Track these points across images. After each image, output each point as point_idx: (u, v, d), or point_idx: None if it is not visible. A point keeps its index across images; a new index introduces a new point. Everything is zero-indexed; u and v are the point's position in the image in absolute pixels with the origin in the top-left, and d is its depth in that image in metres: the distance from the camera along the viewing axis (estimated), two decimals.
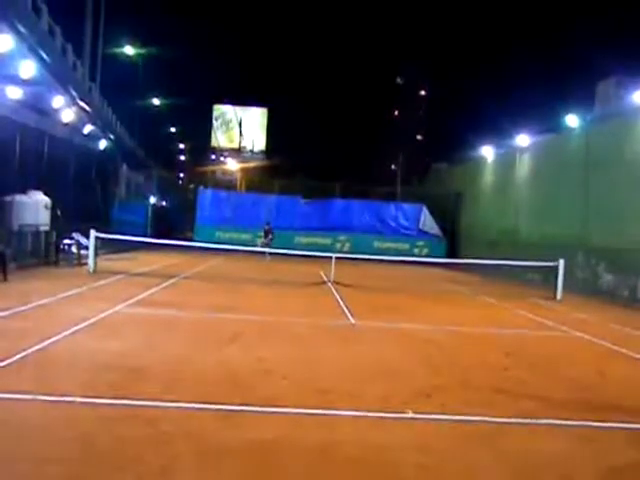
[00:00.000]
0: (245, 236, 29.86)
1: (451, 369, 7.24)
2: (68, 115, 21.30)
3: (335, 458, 4.23)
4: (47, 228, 17.46)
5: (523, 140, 24.14)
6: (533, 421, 5.28)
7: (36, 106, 18.84)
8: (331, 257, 17.42)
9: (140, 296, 11.42)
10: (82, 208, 22.99)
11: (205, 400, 5.22)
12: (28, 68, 15.87)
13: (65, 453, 3.98)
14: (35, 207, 17.49)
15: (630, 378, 7.51)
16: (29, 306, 9.34)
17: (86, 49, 28.83)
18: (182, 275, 16.27)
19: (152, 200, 38.69)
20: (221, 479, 3.85)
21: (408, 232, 31.83)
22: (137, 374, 5.93)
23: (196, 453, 4.11)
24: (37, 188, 18.08)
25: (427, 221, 31.77)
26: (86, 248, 16.58)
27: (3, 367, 5.81)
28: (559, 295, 15.45)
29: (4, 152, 17.44)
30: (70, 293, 11.17)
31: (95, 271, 15.09)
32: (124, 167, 34.89)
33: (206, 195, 33.10)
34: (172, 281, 14.70)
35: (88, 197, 25.88)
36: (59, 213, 19.09)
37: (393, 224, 32.05)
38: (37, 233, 16.75)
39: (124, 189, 35.74)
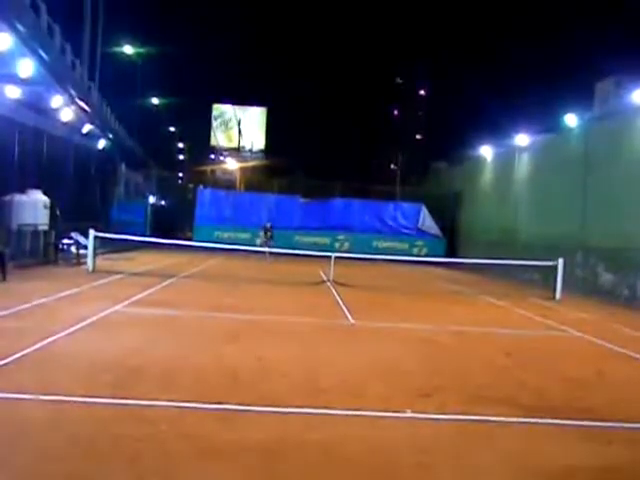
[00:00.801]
0: (244, 235, 29.85)
1: (451, 369, 7.23)
2: (67, 114, 21.25)
3: (334, 457, 4.22)
4: (46, 228, 17.45)
5: (522, 140, 24.14)
6: (532, 420, 5.28)
7: (35, 105, 18.80)
8: (330, 256, 17.42)
9: (139, 296, 11.40)
10: (81, 208, 22.96)
11: (204, 400, 5.21)
12: (27, 67, 15.83)
13: (64, 452, 3.97)
14: (34, 207, 17.48)
15: (629, 378, 7.51)
16: (28, 305, 9.32)
17: (85, 48, 28.79)
18: (181, 275, 16.25)
19: (151, 199, 38.66)
20: (220, 479, 3.84)
21: (407, 231, 31.83)
22: (136, 373, 5.92)
23: (195, 453, 4.10)
24: (36, 187, 18.06)
25: (426, 221, 31.78)
26: (85, 248, 16.57)
27: (2, 366, 5.80)
28: (558, 295, 15.45)
29: (3, 152, 17.42)
30: (69, 293, 11.16)
31: (94, 271, 15.07)
32: (123, 166, 34.85)
33: (205, 195, 33.09)
34: (171, 281, 14.68)
35: (87, 196, 25.85)
36: (58, 213, 19.08)
37: (392, 224, 32.05)
38: (36, 233, 16.74)
39: (123, 189, 35.70)
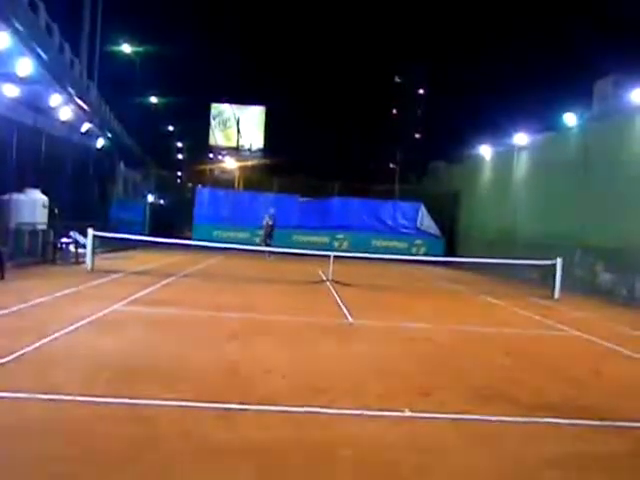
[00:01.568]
0: (243, 235, 29.83)
1: (449, 368, 7.24)
2: (65, 113, 21.23)
3: (333, 457, 4.22)
4: (44, 227, 17.41)
5: (521, 139, 24.15)
6: (531, 420, 5.29)
7: (33, 104, 18.76)
8: (329, 256, 17.41)
9: (138, 294, 11.40)
10: (80, 206, 22.92)
11: (204, 399, 5.21)
12: (25, 66, 15.80)
13: (64, 452, 3.96)
14: (32, 205, 17.44)
15: (628, 377, 7.52)
16: (27, 305, 9.31)
17: (84, 47, 28.77)
18: (180, 274, 16.24)
19: (150, 198, 38.63)
20: (220, 479, 3.84)
21: (406, 231, 31.82)
22: (136, 373, 5.92)
23: (195, 452, 4.10)
24: (34, 186, 18.02)
25: (425, 220, 31.77)
26: (84, 247, 16.55)
27: (1, 365, 5.79)
28: (557, 294, 15.46)
29: (1, 150, 17.37)
30: (68, 291, 11.15)
31: (93, 270, 15.05)
32: (122, 165, 34.80)
33: (204, 194, 33.05)
34: (170, 280, 14.67)
35: (86, 195, 25.81)
36: (56, 211, 19.04)
37: (391, 223, 32.03)
38: (34, 232, 16.71)
39: (122, 187, 35.66)
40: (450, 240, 31.17)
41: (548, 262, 16.37)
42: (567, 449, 4.71)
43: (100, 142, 28.25)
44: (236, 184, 42.46)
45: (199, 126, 62.55)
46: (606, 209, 17.77)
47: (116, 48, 35.93)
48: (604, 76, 22.26)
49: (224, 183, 43.72)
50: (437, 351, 8.33)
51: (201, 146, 62.87)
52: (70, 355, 6.48)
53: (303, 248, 23.30)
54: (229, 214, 31.37)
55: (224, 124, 64.10)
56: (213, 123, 64.15)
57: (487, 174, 28.78)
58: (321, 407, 5.24)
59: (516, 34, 51.02)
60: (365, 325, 10.00)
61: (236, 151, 60.78)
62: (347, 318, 10.48)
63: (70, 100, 21.31)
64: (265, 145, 63.38)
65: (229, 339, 7.97)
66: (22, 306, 9.15)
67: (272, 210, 27.41)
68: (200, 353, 7.12)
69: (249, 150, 62.85)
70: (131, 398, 5.09)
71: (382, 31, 73.27)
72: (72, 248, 17.80)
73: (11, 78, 16.04)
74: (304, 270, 19.50)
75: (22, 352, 6.31)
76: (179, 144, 68.99)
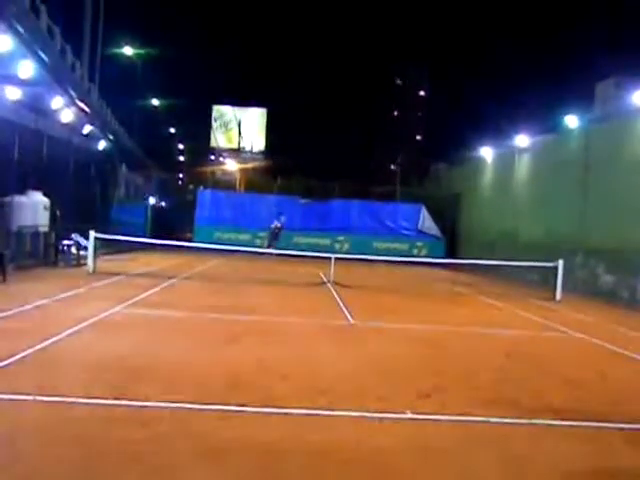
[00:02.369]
0: (244, 236, 29.88)
1: (451, 369, 7.23)
2: (67, 115, 21.26)
3: (335, 459, 4.22)
4: (46, 229, 17.43)
5: (522, 140, 24.15)
6: (533, 421, 5.28)
7: (35, 107, 18.79)
8: (330, 257, 17.41)
9: (140, 297, 11.40)
10: (81, 209, 22.94)
11: (205, 400, 5.21)
12: (27, 68, 15.84)
13: (65, 454, 3.97)
14: (34, 208, 17.46)
15: (630, 379, 7.51)
16: (28, 307, 9.32)
17: (85, 49, 28.80)
18: (182, 276, 16.25)
19: (151, 201, 38.65)
20: (221, 479, 3.85)
21: (407, 232, 31.84)
22: (137, 374, 5.93)
23: (196, 453, 4.10)
24: (36, 189, 18.05)
25: (426, 221, 31.78)
26: (85, 249, 16.57)
27: (3, 368, 5.80)
28: (558, 296, 15.45)
29: (3, 153, 17.40)
30: (69, 294, 11.16)
31: (94, 272, 15.07)
32: (123, 167, 34.83)
33: (205, 196, 33.10)
34: (172, 282, 14.68)
35: (87, 198, 25.82)
36: (58, 214, 19.06)
37: (392, 224, 32.06)
38: (36, 234, 16.72)
39: (123, 190, 35.69)
40: (451, 242, 31.16)
41: (549, 264, 16.36)
42: (569, 451, 4.70)
43: (101, 144, 28.28)
44: (237, 186, 42.51)
45: (200, 128, 62.63)
46: (608, 211, 17.76)
47: (117, 50, 35.95)
48: (606, 78, 22.27)
49: (225, 185, 43.74)
50: (438, 353, 8.32)
51: (202, 148, 62.92)
52: (71, 357, 6.49)
53: (304, 250, 23.33)
54: (230, 216, 31.41)
55: (225, 126, 64.17)
56: (214, 125, 64.21)
57: (488, 176, 28.77)
58: (322, 408, 5.24)
59: (517, 36, 51.08)
60: (366, 326, 10.00)
61: (237, 153, 60.85)
62: (348, 319, 10.48)
63: (71, 102, 21.34)
64: (266, 147, 63.44)
65: (230, 341, 7.98)
66: (24, 308, 9.16)
67: (283, 218, 27.58)
68: (200, 355, 7.12)
69: (250, 152, 62.89)
70: (132, 400, 5.09)
71: (383, 33, 73.35)
72: (74, 250, 17.82)
73: (13, 81, 16.08)
74: (305, 272, 19.51)
75: (23, 354, 6.32)
76: (180, 146, 69.06)
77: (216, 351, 7.40)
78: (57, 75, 19.50)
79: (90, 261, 15.40)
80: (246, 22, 65.86)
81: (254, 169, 54.82)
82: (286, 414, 5.08)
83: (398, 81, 77.03)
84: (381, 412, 5.24)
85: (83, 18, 28.80)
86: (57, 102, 19.93)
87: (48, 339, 7.09)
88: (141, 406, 4.99)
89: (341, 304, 12.39)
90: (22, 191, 17.50)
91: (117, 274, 14.98)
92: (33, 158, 19.61)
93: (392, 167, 57.24)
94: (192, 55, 59.58)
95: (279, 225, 27.24)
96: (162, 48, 45.04)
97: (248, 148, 63.13)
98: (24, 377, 5.61)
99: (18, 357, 6.18)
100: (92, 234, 15.52)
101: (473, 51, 58.74)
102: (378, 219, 32.10)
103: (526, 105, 34.60)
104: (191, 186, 44.67)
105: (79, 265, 16.86)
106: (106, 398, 5.08)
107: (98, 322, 8.58)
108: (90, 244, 15.55)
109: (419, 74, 72.95)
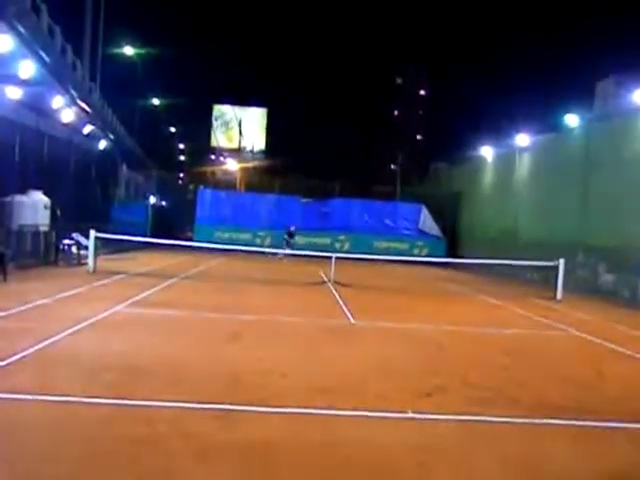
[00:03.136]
0: (245, 236, 29.89)
1: (451, 369, 7.23)
2: (68, 115, 21.28)
3: (335, 458, 4.22)
4: (47, 228, 17.45)
5: (523, 140, 24.14)
6: (532, 421, 5.28)
7: (36, 106, 18.82)
8: (331, 257, 17.41)
9: (140, 296, 11.41)
10: (82, 208, 22.96)
11: (205, 400, 5.21)
12: (28, 68, 15.85)
13: (65, 453, 3.97)
14: (35, 207, 17.48)
15: (630, 378, 7.51)
16: (29, 306, 9.33)
17: (86, 49, 28.81)
18: (182, 275, 16.26)
19: (152, 200, 38.69)
20: (220, 479, 3.85)
21: (408, 232, 31.83)
22: (137, 374, 5.93)
23: (195, 453, 4.10)
24: (37, 188, 18.07)
25: (427, 221, 31.77)
26: (86, 248, 16.57)
27: (3, 367, 5.80)
28: (559, 295, 15.44)
29: (4, 152, 17.42)
30: (70, 293, 11.17)
31: (95, 271, 15.08)
32: (124, 167, 34.88)
33: (206, 195, 33.12)
34: (172, 281, 14.69)
35: (88, 197, 25.85)
36: (59, 213, 19.08)
37: (393, 224, 32.05)
38: (37, 233, 16.73)
39: (124, 189, 35.74)
40: (452, 241, 31.16)
41: (550, 263, 16.36)
42: (569, 450, 4.70)
43: (102, 144, 28.31)
44: (238, 185, 42.53)
45: (201, 128, 62.69)
46: (608, 210, 17.75)
47: (118, 50, 35.95)
48: (606, 77, 22.27)
49: (226, 184, 43.80)
50: (438, 352, 8.32)
51: (203, 148, 62.97)
52: (71, 357, 6.49)
53: (305, 249, 23.33)
54: (231, 215, 31.43)
55: (226, 125, 64.23)
56: (215, 125, 64.29)
57: (489, 175, 28.76)
58: (322, 408, 5.24)
59: (518, 34, 51.05)
60: (366, 326, 10.00)
61: (238, 152, 60.91)
62: (348, 319, 10.48)
63: (72, 102, 21.36)
64: (267, 146, 63.48)
65: (230, 340, 7.98)
66: (24, 308, 9.17)
67: (292, 228, 27.96)
68: (201, 354, 7.12)
69: (251, 151, 62.96)
70: (132, 399, 5.10)
71: (383, 32, 73.31)
72: (74, 250, 17.82)
73: (14, 80, 16.09)
74: (305, 271, 19.52)
75: (24, 354, 6.33)
76: (181, 146, 69.07)
77: (216, 351, 7.40)
78: (58, 75, 19.51)
79: (90, 260, 15.41)
80: (247, 22, 65.84)
81: (254, 168, 54.85)
82: (286, 413, 5.08)
83: (398, 80, 76.96)
84: (381, 411, 5.25)
85: (84, 17, 28.82)
86: (58, 102, 19.96)
87: (48, 339, 7.09)
88: (140, 405, 4.99)
89: (342, 303, 12.39)
90: (23, 190, 17.52)
91: (117, 273, 14.99)
92: (34, 158, 19.64)
93: (392, 166, 57.26)
94: (193, 54, 59.53)
95: (292, 229, 27.67)
96: (163, 47, 45.07)
97: (249, 147, 63.19)
98: (24, 377, 5.61)
99: (18, 357, 6.19)
100: (92, 233, 15.52)
101: (473, 50, 58.70)
102: (379, 218, 32.09)
103: (526, 104, 34.57)
104: (191, 185, 44.69)
105: (79, 264, 16.87)
106: (106, 397, 5.08)
107: (98, 322, 8.58)
108: (90, 243, 15.56)
109: (419, 73, 72.90)
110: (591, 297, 16.66)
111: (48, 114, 20.20)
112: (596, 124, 19.43)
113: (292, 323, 9.89)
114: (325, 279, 16.92)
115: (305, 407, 5.24)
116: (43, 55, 17.45)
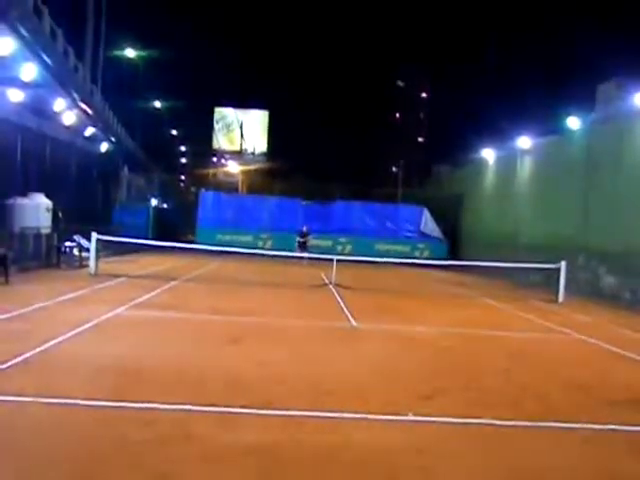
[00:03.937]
0: (246, 238, 29.90)
1: (452, 371, 7.22)
2: (69, 118, 21.33)
3: (336, 460, 4.22)
4: (48, 230, 17.47)
5: (524, 142, 24.14)
6: (534, 424, 5.27)
7: (38, 109, 18.86)
8: (332, 259, 17.40)
9: (141, 298, 11.42)
10: (83, 210, 22.99)
11: (206, 402, 5.21)
12: (29, 71, 15.89)
13: (66, 455, 3.97)
14: (36, 210, 17.50)
15: (632, 381, 7.49)
16: (30, 308, 9.34)
17: (87, 52, 28.85)
18: (183, 278, 16.26)
19: (153, 202, 38.75)
20: None
21: (409, 234, 31.84)
22: (138, 376, 5.93)
23: (196, 456, 4.10)
24: (38, 190, 18.09)
25: (428, 223, 31.77)
26: (87, 250, 16.58)
27: (4, 369, 5.81)
28: (561, 297, 15.42)
29: (5, 155, 17.47)
30: (71, 295, 11.17)
31: (96, 273, 15.09)
32: (125, 169, 34.93)
33: (207, 197, 33.16)
34: (173, 284, 14.70)
35: (89, 199, 25.90)
36: (60, 215, 19.11)
37: (394, 226, 32.06)
38: (38, 235, 16.76)
39: (125, 191, 35.78)
40: (453, 243, 31.15)
41: (551, 265, 16.34)
42: (571, 454, 4.69)
43: (104, 146, 28.35)
44: (239, 188, 42.58)
45: (202, 130, 62.71)
46: (610, 212, 17.74)
47: (120, 53, 36.02)
48: (607, 79, 22.20)
49: (227, 187, 43.89)
50: (440, 355, 8.31)
51: (204, 150, 63.01)
52: (73, 359, 6.49)
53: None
54: (232, 218, 31.46)
55: (227, 128, 64.31)
56: (216, 127, 64.36)
57: (490, 177, 28.76)
58: (323, 410, 5.24)
59: (518, 37, 51.04)
60: (368, 328, 10.00)
61: (239, 155, 60.98)
62: (350, 321, 10.47)
63: (74, 105, 21.40)
64: (268, 149, 63.53)
65: (231, 343, 7.98)
66: (26, 310, 9.18)
67: (305, 228, 28.00)
68: (202, 357, 7.12)
69: (252, 154, 63.02)
70: (133, 402, 5.10)
71: (384, 35, 73.33)
72: (76, 252, 17.83)
73: (16, 83, 16.14)
74: (307, 274, 19.52)
75: (25, 356, 6.33)
76: (182, 148, 69.09)
77: (218, 353, 7.40)
78: (60, 77, 19.54)
79: (92, 263, 15.42)
80: (248, 24, 65.87)
81: (256, 171, 54.94)
82: (287, 416, 5.08)
83: (399, 83, 77.03)
84: (383, 414, 5.24)
85: (86, 20, 28.88)
86: (60, 104, 20.00)
87: (50, 341, 7.10)
88: (142, 408, 4.99)
89: (343, 306, 12.38)
90: (24, 193, 17.55)
91: (119, 276, 15.00)
92: (35, 160, 19.68)
93: (394, 169, 57.25)
94: (194, 57, 59.58)
95: (304, 230, 27.69)
96: (164, 50, 45.08)
97: (250, 150, 63.26)
98: (26, 379, 5.61)
99: (20, 359, 6.19)
100: (94, 236, 15.54)
101: (474, 52, 58.71)
102: (380, 221, 32.11)
103: (528, 107, 34.57)
104: (193, 188, 44.79)
105: (81, 267, 16.88)
106: (107, 400, 5.08)
107: (100, 324, 8.59)
108: (92, 246, 15.57)
109: (420, 75, 72.94)
110: (593, 300, 16.63)
111: (50, 117, 20.25)
112: (597, 127, 19.43)
113: (293, 326, 9.89)
114: (326, 281, 16.92)
115: (307, 410, 5.23)
116: (45, 58, 17.48)
